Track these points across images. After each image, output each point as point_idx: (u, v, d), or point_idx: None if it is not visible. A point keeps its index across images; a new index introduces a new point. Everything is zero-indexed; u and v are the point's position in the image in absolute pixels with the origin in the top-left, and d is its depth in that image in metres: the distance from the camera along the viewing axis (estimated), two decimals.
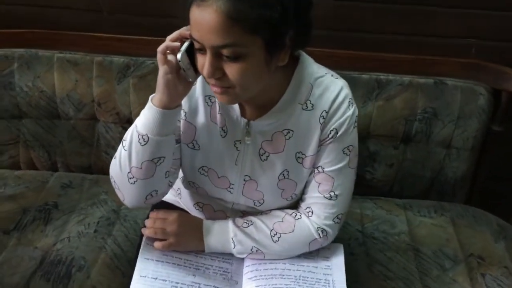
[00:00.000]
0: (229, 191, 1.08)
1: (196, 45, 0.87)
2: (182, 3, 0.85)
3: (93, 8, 1.47)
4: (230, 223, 1.08)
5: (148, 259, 1.07)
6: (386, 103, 1.44)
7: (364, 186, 1.52)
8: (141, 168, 0.97)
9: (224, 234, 1.08)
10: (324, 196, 1.04)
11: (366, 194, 1.53)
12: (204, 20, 0.81)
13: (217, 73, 0.86)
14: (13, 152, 1.56)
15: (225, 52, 0.83)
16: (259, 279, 1.05)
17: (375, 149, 1.49)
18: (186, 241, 1.08)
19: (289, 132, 1.01)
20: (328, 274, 1.07)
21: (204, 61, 0.86)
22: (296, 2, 0.85)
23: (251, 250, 1.07)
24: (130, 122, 1.50)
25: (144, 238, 1.11)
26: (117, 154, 1.01)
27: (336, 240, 1.13)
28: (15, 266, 1.22)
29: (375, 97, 1.44)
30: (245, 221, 1.08)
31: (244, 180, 1.06)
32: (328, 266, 1.09)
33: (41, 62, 1.47)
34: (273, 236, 1.06)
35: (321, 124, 1.00)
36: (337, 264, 1.09)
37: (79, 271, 1.22)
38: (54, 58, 1.47)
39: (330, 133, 1.00)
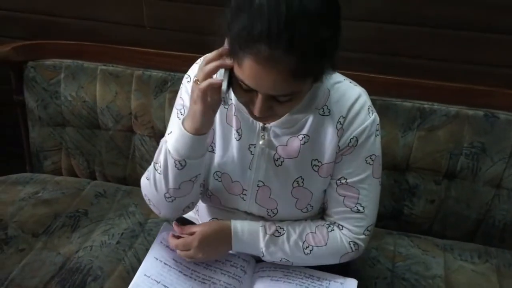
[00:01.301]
0: (242, 197, 1.05)
1: (244, 86, 0.84)
2: (219, 24, 0.83)
3: (137, 23, 1.50)
4: (261, 232, 1.04)
5: (157, 259, 1.09)
6: (428, 134, 1.34)
7: (401, 221, 1.42)
8: (179, 188, 0.98)
9: (254, 243, 1.05)
10: (351, 210, 1.01)
11: (403, 230, 1.42)
12: (266, 76, 0.79)
13: (267, 112, 0.86)
14: (55, 159, 1.62)
15: (280, 98, 0.84)
16: None
17: (414, 182, 1.38)
18: (214, 252, 1.07)
19: (304, 137, 0.98)
20: None
21: (250, 97, 0.86)
22: (338, 42, 0.82)
23: (280, 260, 1.05)
24: (164, 136, 1.50)
25: (158, 237, 1.12)
26: (149, 175, 1.02)
27: (364, 277, 1.09)
28: (36, 270, 1.25)
29: (417, 127, 1.34)
30: (277, 228, 1.04)
31: (258, 186, 1.03)
32: None
33: (85, 73, 1.52)
34: (305, 249, 1.03)
35: (338, 130, 0.96)
36: None
37: (94, 281, 1.22)
38: (98, 70, 1.52)
39: (350, 141, 0.96)
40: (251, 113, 0.90)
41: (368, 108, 0.97)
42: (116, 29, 1.53)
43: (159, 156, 0.98)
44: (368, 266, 1.29)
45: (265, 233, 1.03)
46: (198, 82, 0.87)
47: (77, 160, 1.60)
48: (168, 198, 1.00)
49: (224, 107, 1.00)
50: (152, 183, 1.00)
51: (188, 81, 1.03)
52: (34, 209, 1.43)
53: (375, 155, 0.99)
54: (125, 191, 1.55)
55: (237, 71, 0.83)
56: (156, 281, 1.05)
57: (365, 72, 1.31)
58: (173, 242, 1.07)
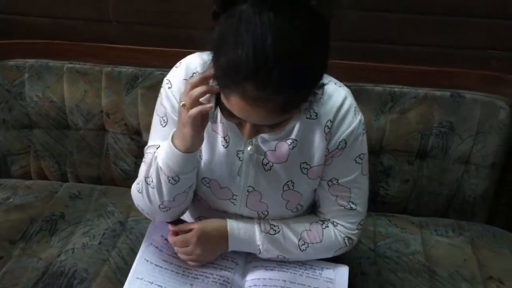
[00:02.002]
0: (232, 202, 1.05)
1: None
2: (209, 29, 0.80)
3: (103, 19, 1.47)
4: (257, 230, 1.04)
5: (147, 261, 1.08)
6: (400, 117, 1.39)
7: (378, 203, 1.47)
8: (174, 200, 0.98)
9: (251, 242, 1.05)
10: (344, 208, 1.03)
11: (380, 211, 1.47)
12: (253, 114, 0.77)
13: (257, 134, 0.87)
14: (24, 162, 1.56)
15: (269, 125, 0.84)
16: None
17: (389, 164, 1.43)
18: (212, 249, 1.06)
19: (293, 142, 0.98)
20: None
21: (237, 120, 0.85)
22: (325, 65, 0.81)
23: (277, 257, 1.06)
24: (138, 133, 1.49)
25: (146, 239, 1.10)
26: (141, 189, 1.00)
27: (348, 258, 1.11)
28: (18, 277, 1.21)
29: (388, 110, 1.39)
30: (272, 227, 1.05)
31: (248, 191, 1.03)
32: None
33: (51, 73, 1.47)
34: (301, 246, 1.05)
35: (326, 134, 0.97)
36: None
37: (80, 283, 1.19)
38: (64, 69, 1.47)
39: (339, 144, 0.97)
40: (240, 131, 0.89)
41: (354, 110, 0.97)
42: (81, 26, 1.49)
43: (150, 171, 0.96)
44: None
45: (261, 231, 1.04)
46: (185, 107, 0.85)
47: (47, 163, 1.55)
48: (163, 208, 1.00)
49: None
50: (145, 197, 0.99)
51: (169, 87, 1.00)
52: (7, 215, 1.38)
53: (363, 153, 1.00)
54: (101, 191, 1.52)
55: (224, 101, 0.81)
56: (149, 282, 1.04)
57: (337, 59, 1.34)
58: (171, 239, 1.06)
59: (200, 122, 0.87)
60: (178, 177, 0.94)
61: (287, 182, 1.01)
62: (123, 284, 1.21)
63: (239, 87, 0.74)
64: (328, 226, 1.06)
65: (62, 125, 1.51)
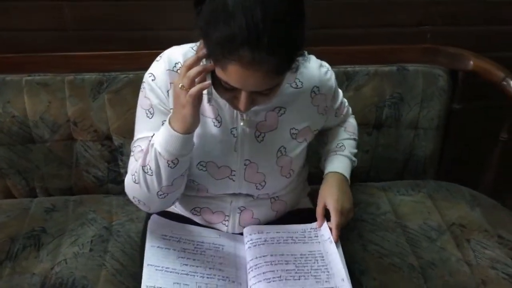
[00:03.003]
0: (232, 178, 1.11)
1: (228, 86, 0.90)
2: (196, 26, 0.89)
3: (59, 28, 1.46)
4: (346, 160, 1.25)
5: (153, 265, 1.05)
6: (356, 93, 1.53)
7: None
8: (172, 184, 1.02)
9: (349, 166, 1.26)
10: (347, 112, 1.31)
11: None
12: (250, 78, 0.86)
13: (252, 106, 0.94)
14: None
15: (264, 91, 0.91)
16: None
17: None
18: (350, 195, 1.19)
19: (281, 109, 1.08)
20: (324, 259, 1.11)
21: (233, 94, 0.93)
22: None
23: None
24: (109, 138, 1.49)
25: (148, 241, 1.10)
26: (138, 179, 1.03)
27: None
28: None
29: (345, 88, 1.52)
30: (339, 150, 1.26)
31: (245, 165, 1.10)
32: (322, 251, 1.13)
33: (9, 87, 1.43)
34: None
35: (312, 98, 1.10)
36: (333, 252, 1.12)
37: None
38: (23, 82, 1.44)
39: (332, 98, 1.17)
40: (234, 107, 0.97)
41: (328, 67, 1.15)
42: (36, 37, 1.46)
43: (147, 159, 1.00)
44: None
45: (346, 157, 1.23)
46: (184, 88, 0.91)
47: (13, 180, 1.50)
48: (161, 195, 1.04)
49: None
50: (143, 185, 1.02)
51: (152, 79, 1.05)
52: None
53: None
54: (75, 201, 1.50)
55: (220, 74, 0.89)
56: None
57: None
58: (336, 237, 1.12)
59: (199, 102, 0.94)
60: (177, 160, 0.98)
61: (280, 148, 1.10)
62: (125, 284, 1.24)
63: (235, 54, 0.83)
64: (348, 120, 1.32)
65: (27, 140, 1.47)
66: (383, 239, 1.37)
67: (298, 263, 1.08)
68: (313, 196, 1.31)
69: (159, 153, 0.97)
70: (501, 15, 1.59)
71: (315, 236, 1.15)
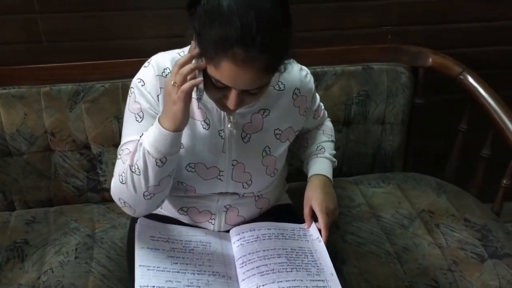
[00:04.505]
0: (220, 178, 1.15)
1: (220, 84, 0.95)
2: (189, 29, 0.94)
3: (33, 40, 1.47)
4: (327, 162, 1.30)
5: (143, 266, 1.07)
6: (326, 92, 1.60)
7: None
8: (159, 185, 1.04)
9: (331, 167, 1.32)
10: (323, 115, 1.36)
11: None
12: (242, 76, 0.91)
13: (240, 105, 0.98)
14: None
15: (253, 90, 0.96)
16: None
17: None
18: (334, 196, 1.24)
19: (265, 111, 1.14)
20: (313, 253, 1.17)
21: (223, 93, 0.98)
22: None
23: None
24: (87, 147, 1.51)
25: (138, 243, 1.12)
26: (125, 179, 1.04)
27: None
28: None
29: (316, 88, 1.57)
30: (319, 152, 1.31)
31: (233, 165, 1.14)
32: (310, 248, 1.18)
33: None
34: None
35: (294, 100, 1.16)
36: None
37: None
38: None
39: (312, 99, 1.24)
40: (223, 107, 1.02)
41: (307, 71, 1.21)
42: (11, 50, 1.47)
43: (135, 159, 1.02)
44: None
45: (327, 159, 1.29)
46: (176, 85, 0.95)
47: None
48: (147, 196, 1.05)
49: None
50: (130, 186, 1.04)
51: (142, 85, 1.08)
52: None
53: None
54: (55, 211, 1.51)
55: (213, 72, 0.94)
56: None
57: None
58: (325, 237, 1.17)
59: (190, 99, 0.98)
60: (166, 158, 1.00)
61: (265, 148, 1.16)
62: None
63: (230, 52, 0.89)
64: (325, 123, 1.37)
65: (4, 153, 1.47)
66: (359, 229, 1.44)
67: (290, 257, 1.13)
68: (291, 193, 1.38)
69: (148, 151, 1.00)
70: (454, 13, 1.70)
71: (303, 235, 1.21)
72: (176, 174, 1.14)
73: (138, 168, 1.02)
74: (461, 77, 1.60)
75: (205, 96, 1.07)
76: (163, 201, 1.13)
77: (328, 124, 1.38)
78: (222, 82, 0.94)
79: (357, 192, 1.60)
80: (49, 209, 1.53)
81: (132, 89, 1.10)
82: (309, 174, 1.26)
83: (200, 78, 0.96)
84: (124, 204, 1.09)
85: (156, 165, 1.01)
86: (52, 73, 1.47)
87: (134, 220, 1.22)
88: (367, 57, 1.63)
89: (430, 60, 1.64)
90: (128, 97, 1.11)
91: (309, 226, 1.22)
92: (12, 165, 1.49)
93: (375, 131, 1.68)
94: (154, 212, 1.25)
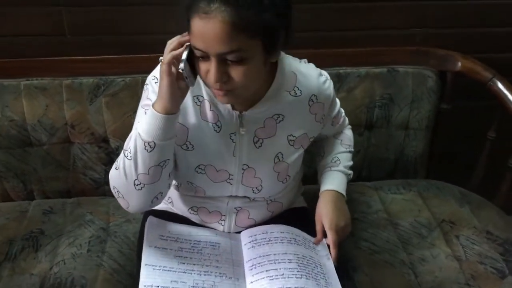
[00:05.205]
0: (229, 182, 1.13)
1: (198, 53, 0.93)
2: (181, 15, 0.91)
3: (58, 33, 1.49)
4: (342, 176, 1.27)
5: (150, 265, 1.07)
6: (348, 95, 1.56)
7: None
8: (148, 173, 1.01)
9: (344, 182, 1.27)
10: (343, 122, 1.32)
11: None
12: (209, 30, 0.88)
13: (223, 78, 0.93)
14: None
15: (230, 57, 0.91)
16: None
17: None
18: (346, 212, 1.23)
19: (279, 117, 1.10)
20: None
21: (207, 68, 0.94)
22: (285, 7, 0.94)
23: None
24: (106, 141, 1.52)
25: (146, 242, 1.12)
26: (118, 165, 1.04)
27: None
28: None
29: (338, 90, 1.55)
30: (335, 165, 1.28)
31: (243, 169, 1.12)
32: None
33: (8, 92, 1.46)
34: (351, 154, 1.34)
35: (310, 107, 1.12)
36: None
37: None
38: (21, 86, 1.46)
39: (330, 107, 1.19)
40: (209, 83, 0.96)
41: (327, 77, 1.17)
42: (34, 42, 1.49)
43: (129, 143, 1.02)
44: None
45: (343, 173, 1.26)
46: (162, 62, 0.95)
47: (11, 183, 1.53)
48: (137, 185, 1.02)
49: (197, 104, 1.08)
50: (121, 171, 1.02)
51: (155, 82, 1.07)
52: None
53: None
54: (73, 203, 1.53)
55: (191, 40, 0.93)
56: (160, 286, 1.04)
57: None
58: (334, 254, 1.15)
59: (175, 72, 0.95)
60: (154, 143, 0.98)
61: (277, 154, 1.13)
62: (123, 284, 1.27)
63: (194, 7, 0.88)
64: (344, 132, 1.33)
65: (25, 143, 1.50)
66: (374, 236, 1.40)
67: (300, 263, 1.10)
68: (307, 195, 1.36)
69: (139, 133, 0.99)
70: (485, 18, 1.63)
71: (313, 248, 1.18)
72: (186, 174, 1.14)
73: (130, 152, 1.01)
74: (491, 83, 1.53)
75: (209, 93, 1.06)
76: (158, 199, 1.09)
77: (347, 133, 1.34)
78: (196, 46, 0.92)
79: (376, 197, 1.56)
80: (67, 200, 1.55)
81: (146, 85, 1.10)
82: (321, 189, 1.23)
83: (180, 49, 0.94)
84: (118, 193, 1.08)
85: (145, 149, 0.99)
86: (74, 66, 1.48)
87: (146, 216, 1.22)
88: (393, 59, 1.58)
89: (459, 64, 1.58)
90: (143, 93, 1.11)
91: (317, 242, 1.19)
92: (32, 155, 1.51)
93: (398, 136, 1.63)
94: (166, 209, 1.26)
